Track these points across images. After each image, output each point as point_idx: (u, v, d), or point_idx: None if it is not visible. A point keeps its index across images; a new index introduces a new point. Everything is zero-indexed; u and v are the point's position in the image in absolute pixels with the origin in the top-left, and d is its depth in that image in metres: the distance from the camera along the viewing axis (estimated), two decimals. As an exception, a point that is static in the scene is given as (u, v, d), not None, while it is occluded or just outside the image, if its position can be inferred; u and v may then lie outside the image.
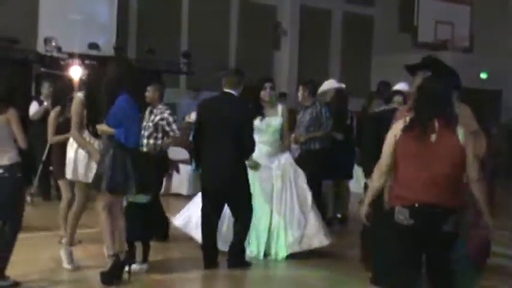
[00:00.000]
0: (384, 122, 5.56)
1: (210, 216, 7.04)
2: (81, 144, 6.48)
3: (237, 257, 7.01)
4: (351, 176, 10.07)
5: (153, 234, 6.87)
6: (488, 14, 20.32)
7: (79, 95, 6.77)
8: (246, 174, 7.07)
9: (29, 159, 10.97)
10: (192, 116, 10.86)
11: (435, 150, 4.38)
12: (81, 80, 10.95)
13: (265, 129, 7.64)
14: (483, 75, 20.15)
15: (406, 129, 4.49)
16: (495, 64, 19.97)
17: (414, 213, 4.37)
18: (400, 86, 8.00)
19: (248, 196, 7.05)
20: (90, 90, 6.62)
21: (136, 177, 6.07)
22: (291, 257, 7.37)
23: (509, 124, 19.16)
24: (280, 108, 7.75)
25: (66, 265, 6.67)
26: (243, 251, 7.11)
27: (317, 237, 7.50)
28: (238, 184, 6.97)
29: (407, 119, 4.54)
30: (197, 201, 7.57)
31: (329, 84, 10.01)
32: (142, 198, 6.59)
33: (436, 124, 4.42)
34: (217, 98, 7.44)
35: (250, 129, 7.03)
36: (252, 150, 6.99)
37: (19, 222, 6.04)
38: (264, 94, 7.64)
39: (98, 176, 6.17)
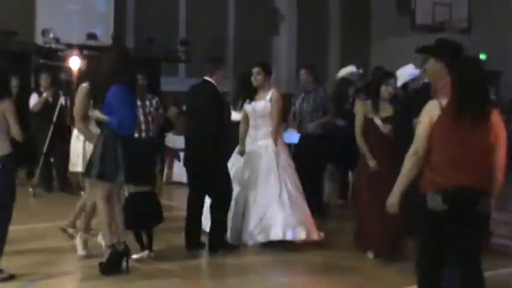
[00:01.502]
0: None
1: (193, 198, 7.23)
2: (87, 137, 6.47)
3: (217, 239, 7.09)
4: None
5: (157, 222, 6.87)
6: (486, -5, 20.25)
7: (84, 85, 6.72)
8: (219, 158, 7.12)
9: (29, 150, 11.05)
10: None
11: (471, 136, 4.33)
12: (80, 70, 10.96)
13: (252, 113, 7.60)
14: (482, 56, 20.08)
15: (444, 113, 4.39)
16: (494, 45, 19.92)
17: (448, 198, 4.31)
18: (409, 70, 7.88)
19: (224, 179, 7.13)
20: (94, 80, 6.58)
21: (127, 165, 6.04)
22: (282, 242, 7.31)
23: (509, 105, 19.11)
24: (270, 92, 7.56)
25: (80, 251, 6.67)
26: (223, 232, 7.20)
27: (274, 229, 7.19)
28: (212, 167, 7.04)
29: (443, 102, 4.44)
30: None
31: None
32: (144, 187, 6.59)
33: (474, 109, 4.36)
34: (195, 85, 7.50)
35: (215, 115, 7.08)
36: (216, 136, 7.02)
37: (10, 213, 5.99)
38: (252, 79, 7.60)
39: (90, 163, 6.20)
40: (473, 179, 4.31)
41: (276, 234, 7.15)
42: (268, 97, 7.49)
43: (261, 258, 7.00)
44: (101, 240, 6.70)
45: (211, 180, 7.07)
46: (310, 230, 7.26)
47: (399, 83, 7.57)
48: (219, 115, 7.21)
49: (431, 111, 4.45)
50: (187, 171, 7.51)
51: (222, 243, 7.15)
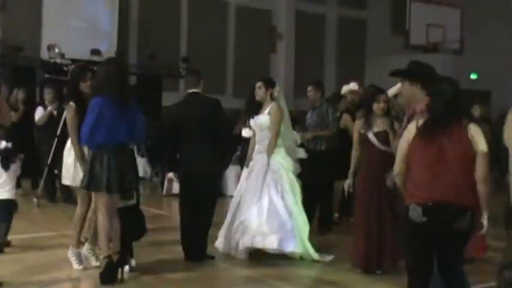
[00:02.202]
0: None
1: (188, 210, 7.14)
2: (77, 154, 6.48)
3: (199, 249, 7.09)
4: None
5: (143, 232, 6.84)
6: (478, 17, 20.33)
7: (71, 104, 6.69)
8: (216, 170, 7.20)
9: (33, 162, 11.05)
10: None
11: (448, 151, 4.40)
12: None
13: (254, 127, 7.55)
14: (473, 76, 20.20)
15: (419, 131, 4.52)
16: (484, 65, 20.03)
17: (427, 211, 4.40)
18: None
19: (217, 192, 7.28)
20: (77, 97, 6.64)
21: (117, 175, 6.02)
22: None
23: (499, 120, 19.16)
24: (270, 106, 7.44)
25: (76, 266, 6.56)
26: (206, 243, 7.17)
27: (246, 236, 7.09)
28: (212, 179, 7.15)
29: (420, 121, 4.56)
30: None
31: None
32: (131, 201, 6.53)
33: (449, 124, 4.45)
34: (185, 99, 7.39)
35: (224, 121, 7.18)
36: (227, 142, 7.21)
37: None
38: (255, 94, 7.57)
39: (83, 174, 6.25)
40: (453, 194, 4.38)
41: (246, 242, 7.06)
42: (267, 111, 7.40)
43: (252, 270, 6.92)
44: (87, 251, 6.69)
45: (205, 190, 7.10)
46: (283, 240, 6.99)
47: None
48: (225, 120, 7.29)
49: (409, 133, 4.62)
50: (189, 184, 7.24)
51: (204, 254, 7.15)
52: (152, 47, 17.09)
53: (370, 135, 6.83)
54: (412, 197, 4.51)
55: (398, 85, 6.64)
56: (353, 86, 10.38)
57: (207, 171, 7.06)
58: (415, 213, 4.44)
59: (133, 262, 6.59)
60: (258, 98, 7.48)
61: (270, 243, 6.97)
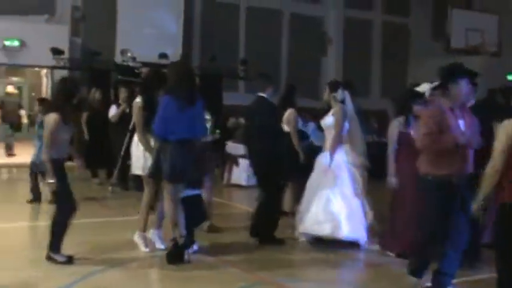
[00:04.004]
0: None
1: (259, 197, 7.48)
2: (146, 147, 6.52)
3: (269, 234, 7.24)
4: None
5: (204, 219, 6.87)
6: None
7: (137, 101, 6.76)
8: (276, 162, 7.20)
9: (108, 154, 11.27)
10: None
11: None
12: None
13: (323, 126, 7.53)
14: (510, 77, 19.75)
15: None
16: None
17: None
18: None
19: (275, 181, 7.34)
20: (148, 94, 6.68)
21: (181, 166, 6.05)
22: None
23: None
24: (334, 108, 7.36)
25: (143, 248, 6.64)
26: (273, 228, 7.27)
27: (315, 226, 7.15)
28: (270, 170, 7.19)
29: None
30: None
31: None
32: (194, 191, 6.57)
33: None
34: (252, 101, 7.50)
35: (271, 127, 7.20)
36: (275, 143, 7.15)
37: None
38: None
39: (151, 164, 6.35)
40: None
41: (305, 228, 7.20)
42: (331, 112, 7.34)
43: (311, 255, 6.93)
44: (153, 235, 6.74)
45: (268, 180, 7.19)
46: (336, 227, 6.98)
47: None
48: (275, 127, 7.29)
49: (508, 129, 4.34)
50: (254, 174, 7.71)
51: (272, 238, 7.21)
52: (214, 51, 17.19)
53: (413, 133, 6.69)
54: None
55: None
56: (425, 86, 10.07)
57: (265, 166, 7.18)
58: None
59: (195, 246, 6.64)
60: (324, 99, 7.51)
61: (324, 229, 7.04)
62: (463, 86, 5.12)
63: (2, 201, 10.22)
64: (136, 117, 6.73)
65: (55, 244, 6.01)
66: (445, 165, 5.06)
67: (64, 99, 6.08)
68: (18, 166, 13.89)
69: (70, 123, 6.10)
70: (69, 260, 6.00)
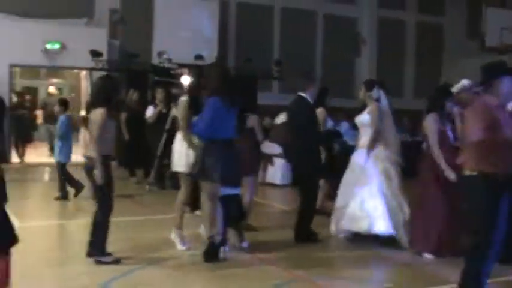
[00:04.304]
0: None
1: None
2: (190, 145, 6.52)
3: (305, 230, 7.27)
4: None
5: (242, 218, 6.89)
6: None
7: (183, 99, 6.75)
8: (314, 162, 7.29)
9: (145, 154, 11.37)
10: (281, 117, 10.84)
11: None
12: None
13: (358, 124, 7.51)
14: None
15: None
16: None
17: None
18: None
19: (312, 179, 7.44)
20: (195, 94, 6.68)
21: (221, 166, 6.04)
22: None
23: None
24: (369, 106, 7.37)
25: (180, 246, 6.66)
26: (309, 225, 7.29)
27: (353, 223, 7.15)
28: (307, 169, 7.26)
29: None
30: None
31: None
32: (234, 190, 6.52)
33: None
34: (291, 101, 7.53)
35: (310, 127, 7.24)
36: (310, 144, 7.23)
37: None
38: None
39: (194, 162, 6.37)
40: None
41: (343, 225, 7.22)
42: (366, 110, 7.35)
43: (347, 253, 6.93)
44: (202, 231, 6.77)
45: (304, 179, 7.27)
46: (372, 224, 6.97)
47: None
48: (313, 127, 7.30)
49: None
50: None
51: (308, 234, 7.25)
52: (248, 52, 17.21)
53: (449, 132, 6.61)
54: None
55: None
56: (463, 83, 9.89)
57: (303, 166, 7.28)
58: None
59: (246, 243, 6.74)
60: (359, 98, 7.51)
61: (361, 226, 7.06)
62: (506, 84, 4.96)
63: (40, 200, 10.41)
64: (181, 115, 6.72)
65: (99, 246, 5.98)
66: (499, 162, 4.78)
67: (106, 95, 6.06)
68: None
69: (113, 119, 6.13)
70: (117, 261, 6.00)
